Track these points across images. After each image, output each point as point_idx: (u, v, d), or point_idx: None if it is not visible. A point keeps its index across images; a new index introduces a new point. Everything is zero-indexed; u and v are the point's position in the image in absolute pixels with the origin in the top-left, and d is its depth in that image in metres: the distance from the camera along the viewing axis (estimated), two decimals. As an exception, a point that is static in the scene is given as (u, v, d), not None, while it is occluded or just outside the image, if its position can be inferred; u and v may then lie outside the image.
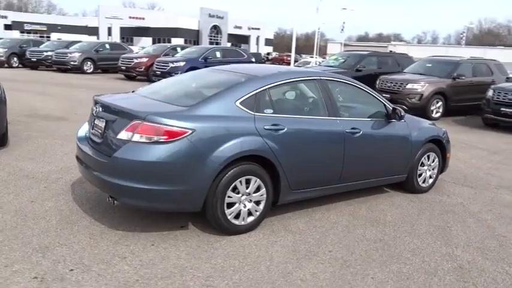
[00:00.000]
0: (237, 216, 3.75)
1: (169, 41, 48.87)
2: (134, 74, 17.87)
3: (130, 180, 3.38)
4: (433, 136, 5.26)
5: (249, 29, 65.98)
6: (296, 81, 4.32)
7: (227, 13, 60.59)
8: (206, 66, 16.77)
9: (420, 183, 5.26)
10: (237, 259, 3.38)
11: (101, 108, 3.79)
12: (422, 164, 5.22)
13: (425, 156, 5.22)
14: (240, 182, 3.68)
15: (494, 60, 13.51)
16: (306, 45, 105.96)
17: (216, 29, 60.37)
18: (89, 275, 3.03)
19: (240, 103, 3.76)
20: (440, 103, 11.53)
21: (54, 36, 48.13)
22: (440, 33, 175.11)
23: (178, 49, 18.69)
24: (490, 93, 10.65)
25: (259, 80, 4.01)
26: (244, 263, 3.33)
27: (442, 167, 5.52)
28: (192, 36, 56.84)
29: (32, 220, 3.85)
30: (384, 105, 4.84)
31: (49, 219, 3.90)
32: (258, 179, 3.78)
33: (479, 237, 4.10)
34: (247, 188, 3.74)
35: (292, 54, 24.29)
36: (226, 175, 3.58)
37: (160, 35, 54.81)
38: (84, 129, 4.29)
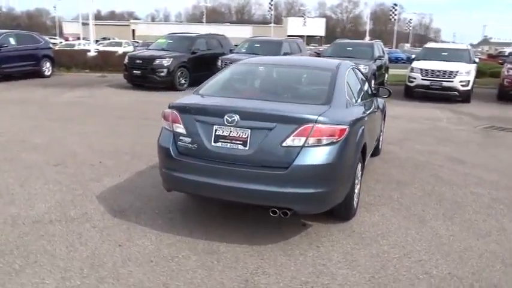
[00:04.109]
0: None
1: None
2: None
3: (311, 186, 3.27)
4: (384, 106, 6.41)
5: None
6: (351, 70, 4.65)
7: None
8: (2, 56, 13.71)
9: (380, 146, 6.39)
10: (389, 238, 3.71)
11: (238, 117, 3.30)
12: (381, 131, 6.34)
13: (383, 124, 6.36)
14: (359, 169, 3.94)
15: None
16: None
17: None
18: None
19: (347, 95, 3.94)
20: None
21: None
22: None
23: None
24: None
25: (339, 73, 4.19)
26: (398, 239, 3.70)
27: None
28: None
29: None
30: (369, 85, 5.65)
31: (160, 238, 3.24)
32: (361, 164, 4.10)
33: (471, 181, 5.32)
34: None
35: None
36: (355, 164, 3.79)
37: None
38: (175, 145, 3.56)
